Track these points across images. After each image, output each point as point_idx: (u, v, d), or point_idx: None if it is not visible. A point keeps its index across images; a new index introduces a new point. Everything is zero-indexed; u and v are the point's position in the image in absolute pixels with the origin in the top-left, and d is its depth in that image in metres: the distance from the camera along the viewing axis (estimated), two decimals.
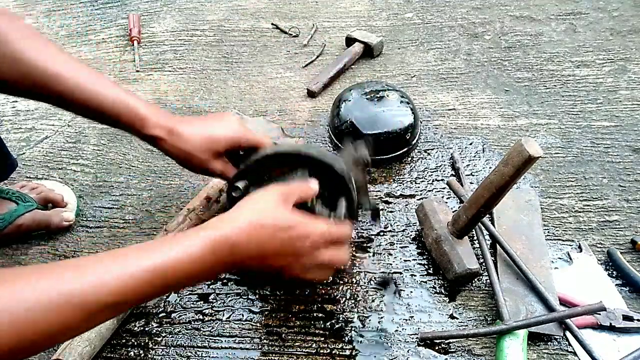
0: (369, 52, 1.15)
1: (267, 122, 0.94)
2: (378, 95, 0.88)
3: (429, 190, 0.82)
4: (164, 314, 0.68)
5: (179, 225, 0.74)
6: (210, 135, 0.60)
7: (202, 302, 0.69)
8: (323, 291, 0.69)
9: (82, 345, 0.60)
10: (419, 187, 0.83)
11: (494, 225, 0.72)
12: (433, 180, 0.84)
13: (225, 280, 0.71)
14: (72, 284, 0.37)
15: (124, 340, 0.66)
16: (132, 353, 0.64)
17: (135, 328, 0.67)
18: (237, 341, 0.64)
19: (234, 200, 0.55)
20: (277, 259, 0.47)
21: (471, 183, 0.82)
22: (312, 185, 0.54)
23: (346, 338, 0.63)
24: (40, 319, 0.35)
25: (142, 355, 0.64)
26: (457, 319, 0.64)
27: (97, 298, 0.38)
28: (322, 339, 0.63)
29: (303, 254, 0.48)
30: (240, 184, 0.57)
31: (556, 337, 0.61)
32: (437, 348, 0.61)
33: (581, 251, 0.70)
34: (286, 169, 0.58)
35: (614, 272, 0.67)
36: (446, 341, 0.62)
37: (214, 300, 0.69)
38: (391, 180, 0.85)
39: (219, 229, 0.44)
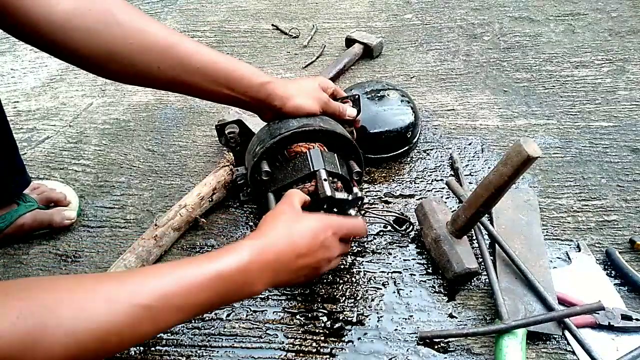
0: (368, 53, 1.16)
1: None
2: (379, 95, 0.89)
3: (428, 190, 0.83)
4: None
5: (169, 221, 0.74)
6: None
7: None
8: (323, 291, 0.69)
9: None
10: (418, 187, 0.83)
11: (492, 225, 0.72)
12: (432, 180, 0.84)
13: None
14: (136, 287, 0.39)
15: None
16: (132, 352, 0.64)
17: None
18: (237, 340, 0.64)
19: (261, 182, 0.64)
20: (310, 256, 0.52)
21: (470, 183, 0.83)
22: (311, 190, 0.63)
23: (346, 337, 0.64)
24: (103, 324, 0.36)
25: (143, 354, 0.64)
26: (456, 318, 0.65)
27: (165, 302, 0.40)
28: (322, 337, 0.64)
29: (328, 244, 0.54)
30: (265, 167, 0.64)
31: (555, 336, 0.61)
32: (436, 347, 0.62)
33: (580, 251, 0.70)
34: (302, 144, 0.65)
35: (613, 272, 0.68)
36: (445, 340, 0.62)
37: None
38: (390, 180, 0.85)
39: (262, 238, 0.50)
